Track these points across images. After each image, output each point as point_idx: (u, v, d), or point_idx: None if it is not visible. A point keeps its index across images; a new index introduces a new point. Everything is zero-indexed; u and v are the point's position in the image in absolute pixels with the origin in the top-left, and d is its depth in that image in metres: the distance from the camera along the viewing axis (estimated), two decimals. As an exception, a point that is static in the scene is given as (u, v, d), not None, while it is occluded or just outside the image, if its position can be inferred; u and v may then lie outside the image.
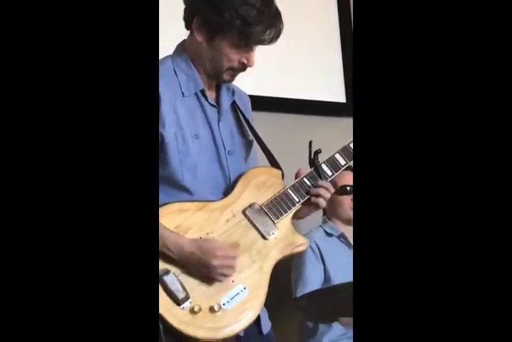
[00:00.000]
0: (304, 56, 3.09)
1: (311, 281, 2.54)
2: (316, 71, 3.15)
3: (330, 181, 1.79)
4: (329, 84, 3.20)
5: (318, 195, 1.74)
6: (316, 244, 2.60)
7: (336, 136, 2.95)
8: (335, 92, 3.20)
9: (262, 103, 2.75)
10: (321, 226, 2.71)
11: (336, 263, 2.58)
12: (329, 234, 2.66)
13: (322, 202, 1.75)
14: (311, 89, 3.12)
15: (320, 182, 1.75)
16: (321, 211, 2.71)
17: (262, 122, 2.42)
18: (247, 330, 1.66)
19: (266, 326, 1.76)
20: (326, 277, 2.58)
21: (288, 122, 2.99)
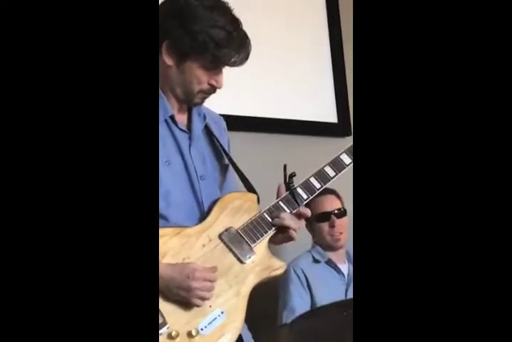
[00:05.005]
0: (294, 77, 3.08)
1: (298, 308, 2.54)
2: (308, 92, 3.16)
3: (305, 205, 1.77)
4: (321, 104, 3.22)
5: (286, 227, 1.72)
6: (303, 272, 2.61)
7: (328, 156, 3.01)
8: (326, 112, 3.21)
9: (254, 124, 2.78)
10: (309, 251, 2.71)
11: (323, 289, 2.58)
12: (317, 261, 2.66)
13: (293, 234, 1.73)
14: (303, 109, 3.13)
15: (282, 214, 1.72)
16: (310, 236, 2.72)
17: (254, 142, 2.44)
18: None
19: None
20: (313, 304, 2.58)
21: (279, 143, 2.99)
